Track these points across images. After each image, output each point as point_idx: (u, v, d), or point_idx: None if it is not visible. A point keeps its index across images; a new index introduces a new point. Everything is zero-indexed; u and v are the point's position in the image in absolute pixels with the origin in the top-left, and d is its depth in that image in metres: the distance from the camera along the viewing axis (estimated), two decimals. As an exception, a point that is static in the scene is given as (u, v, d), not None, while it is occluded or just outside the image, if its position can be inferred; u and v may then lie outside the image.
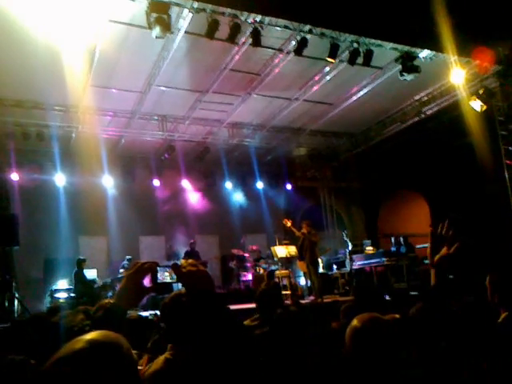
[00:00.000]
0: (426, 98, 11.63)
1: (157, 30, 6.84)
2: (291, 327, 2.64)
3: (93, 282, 11.02)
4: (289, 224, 10.43)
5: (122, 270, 11.33)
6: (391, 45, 8.77)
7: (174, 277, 1.50)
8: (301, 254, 10.27)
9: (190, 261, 1.59)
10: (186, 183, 13.82)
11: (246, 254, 12.76)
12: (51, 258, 11.83)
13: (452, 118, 11.47)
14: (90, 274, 11.22)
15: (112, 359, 1.08)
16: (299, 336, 2.54)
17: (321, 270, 11.72)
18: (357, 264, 11.96)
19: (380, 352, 1.81)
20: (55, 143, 11.15)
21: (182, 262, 1.57)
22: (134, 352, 1.25)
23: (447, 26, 7.86)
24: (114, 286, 10.73)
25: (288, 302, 9.59)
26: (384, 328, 1.87)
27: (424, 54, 9.09)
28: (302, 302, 9.00)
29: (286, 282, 10.63)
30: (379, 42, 8.60)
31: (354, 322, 1.91)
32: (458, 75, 9.55)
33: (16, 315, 9.21)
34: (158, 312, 3.42)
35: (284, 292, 10.33)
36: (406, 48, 8.90)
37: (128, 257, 11.68)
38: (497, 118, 10.18)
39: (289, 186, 15.53)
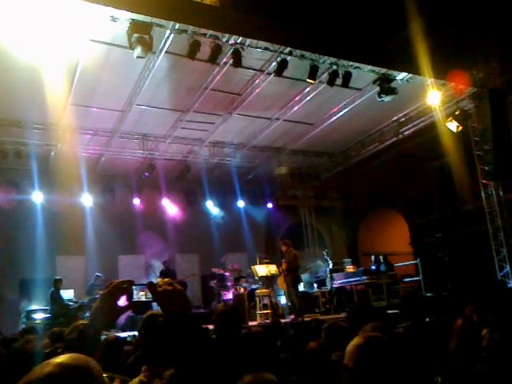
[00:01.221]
0: (403, 119, 11.88)
1: (138, 50, 6.88)
2: (255, 348, 2.62)
3: (69, 302, 10.78)
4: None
5: (86, 298, 11.10)
6: (369, 67, 8.99)
7: (150, 295, 1.49)
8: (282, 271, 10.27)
9: (166, 280, 1.57)
10: (166, 202, 13.73)
11: (227, 273, 12.66)
12: (27, 278, 11.58)
13: (429, 139, 11.73)
14: (67, 294, 10.97)
15: (81, 383, 1.06)
16: (265, 357, 2.52)
17: (301, 288, 11.69)
18: (337, 282, 11.99)
19: (386, 367, 1.82)
20: (33, 161, 10.98)
21: (158, 280, 1.55)
22: (105, 375, 1.23)
23: (423, 49, 8.11)
24: (91, 306, 10.50)
25: (268, 320, 9.55)
26: (386, 345, 1.89)
27: (401, 76, 9.33)
28: (283, 320, 8.94)
29: (266, 300, 10.57)
30: (357, 64, 8.79)
31: (357, 340, 1.92)
32: (434, 97, 9.81)
33: (-11, 337, 8.94)
34: (137, 333, 3.35)
35: (265, 311, 10.29)
36: (384, 70, 9.12)
37: (97, 274, 11.43)
38: (472, 138, 10.44)
39: (270, 205, 15.57)
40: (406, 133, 11.93)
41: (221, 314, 3.10)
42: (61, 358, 1.10)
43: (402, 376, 1.85)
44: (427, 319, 3.40)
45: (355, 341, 1.91)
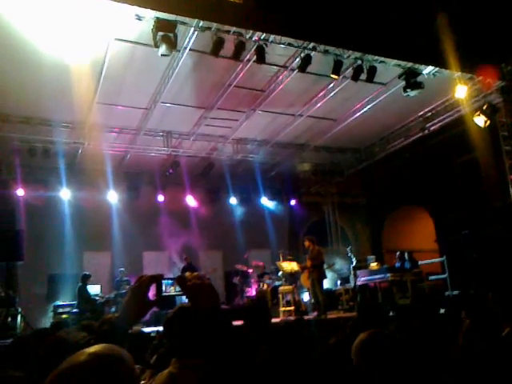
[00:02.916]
0: (429, 114, 11.67)
1: (163, 48, 6.94)
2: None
3: (96, 297, 10.99)
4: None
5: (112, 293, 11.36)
6: (394, 61, 8.85)
7: (178, 289, 1.51)
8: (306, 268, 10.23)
9: (195, 274, 1.59)
10: (190, 198, 13.85)
11: (250, 270, 12.71)
12: (55, 273, 11.85)
13: (456, 134, 11.49)
14: (94, 289, 11.20)
15: (114, 372, 1.09)
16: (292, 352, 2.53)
17: (325, 285, 11.65)
18: (361, 280, 11.87)
19: (387, 362, 1.83)
20: (61, 159, 11.23)
21: (187, 274, 1.57)
22: (136, 366, 1.25)
23: (450, 42, 7.95)
24: (117, 301, 10.70)
25: (292, 317, 9.54)
26: (388, 339, 1.90)
27: (427, 70, 9.15)
28: (306, 317, 8.92)
29: (289, 297, 10.57)
30: (382, 58, 8.67)
31: (361, 336, 1.94)
32: (461, 91, 9.60)
33: (19, 331, 9.19)
34: (161, 328, 3.38)
35: (288, 308, 10.29)
36: (410, 64, 8.97)
37: (120, 269, 11.73)
38: (501, 133, 10.19)
39: (293, 202, 15.54)
40: (432, 128, 11.71)
41: (249, 308, 3.12)
42: (94, 348, 1.13)
43: (407, 371, 1.84)
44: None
45: (360, 336, 1.92)
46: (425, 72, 9.17)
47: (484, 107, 9.91)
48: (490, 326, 2.92)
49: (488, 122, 9.87)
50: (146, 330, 7.15)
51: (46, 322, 10.50)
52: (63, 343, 2.46)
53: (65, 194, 12.08)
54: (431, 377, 2.35)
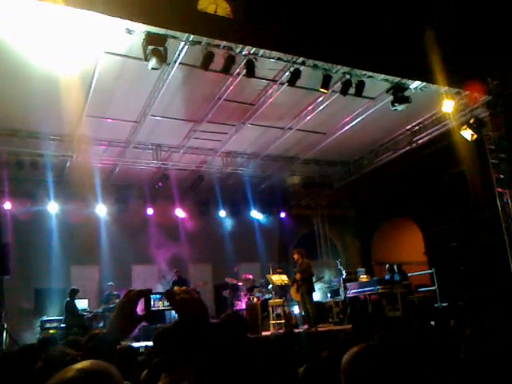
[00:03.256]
0: (417, 128, 11.79)
1: (153, 62, 6.96)
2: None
3: (83, 312, 10.84)
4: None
5: (100, 308, 11.19)
6: (382, 76, 8.96)
7: (166, 304, 1.50)
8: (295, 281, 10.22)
9: (183, 288, 1.59)
10: (179, 211, 13.79)
11: (240, 283, 12.64)
12: (42, 287, 11.67)
13: (443, 147, 11.63)
14: (82, 303, 11.06)
15: None
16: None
17: (316, 298, 11.62)
18: (351, 292, 11.88)
19: (381, 377, 1.82)
20: (49, 172, 11.13)
21: (175, 289, 1.56)
22: (125, 383, 1.23)
23: (437, 57, 8.08)
24: (106, 316, 10.56)
25: (282, 330, 9.48)
26: (382, 353, 1.89)
27: (415, 84, 9.27)
28: (296, 330, 8.88)
29: (279, 310, 10.53)
30: (371, 73, 8.78)
31: (353, 350, 1.92)
32: (448, 105, 9.73)
33: (4, 347, 9.02)
34: (150, 343, 3.35)
35: (278, 321, 10.23)
36: (397, 79, 9.09)
37: (109, 284, 11.63)
38: (487, 146, 10.32)
39: (283, 215, 15.55)
40: (419, 141, 11.82)
41: (224, 322, 3.09)
42: (82, 364, 1.12)
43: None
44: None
45: (352, 350, 1.91)
46: (412, 87, 9.30)
47: (471, 121, 10.05)
48: (490, 335, 2.93)
49: (475, 136, 10.00)
50: (135, 345, 7.05)
51: (33, 337, 10.32)
52: (52, 360, 2.42)
53: (52, 207, 11.95)
54: None
